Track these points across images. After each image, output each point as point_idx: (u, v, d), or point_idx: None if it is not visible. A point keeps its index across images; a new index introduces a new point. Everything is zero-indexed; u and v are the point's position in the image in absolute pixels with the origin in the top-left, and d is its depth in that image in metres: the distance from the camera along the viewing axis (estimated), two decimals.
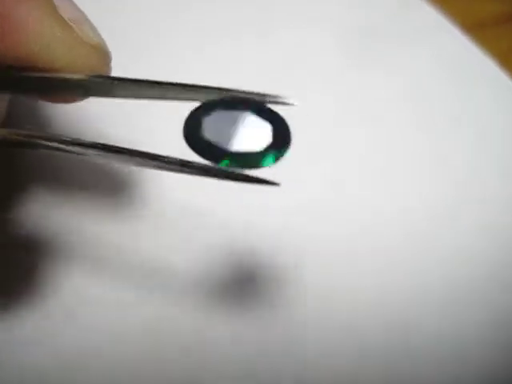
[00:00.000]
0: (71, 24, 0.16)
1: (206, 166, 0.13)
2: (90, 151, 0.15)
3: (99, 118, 0.23)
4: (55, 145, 0.15)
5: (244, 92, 0.14)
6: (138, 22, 0.26)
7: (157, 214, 0.22)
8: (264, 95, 0.14)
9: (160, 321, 0.20)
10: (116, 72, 0.17)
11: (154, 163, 0.14)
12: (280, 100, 0.14)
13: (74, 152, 0.15)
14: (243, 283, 0.21)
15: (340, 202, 0.23)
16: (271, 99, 0.14)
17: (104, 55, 0.16)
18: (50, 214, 0.21)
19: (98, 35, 0.16)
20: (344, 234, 0.22)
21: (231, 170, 0.13)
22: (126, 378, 0.19)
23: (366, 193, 0.23)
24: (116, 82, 0.15)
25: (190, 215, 0.22)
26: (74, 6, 0.16)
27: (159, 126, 0.22)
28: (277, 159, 0.14)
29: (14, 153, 0.21)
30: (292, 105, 0.14)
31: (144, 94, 0.16)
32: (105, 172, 0.22)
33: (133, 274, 0.21)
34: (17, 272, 0.20)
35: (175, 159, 0.14)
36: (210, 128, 0.13)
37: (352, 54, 0.26)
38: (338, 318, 0.20)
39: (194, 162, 0.14)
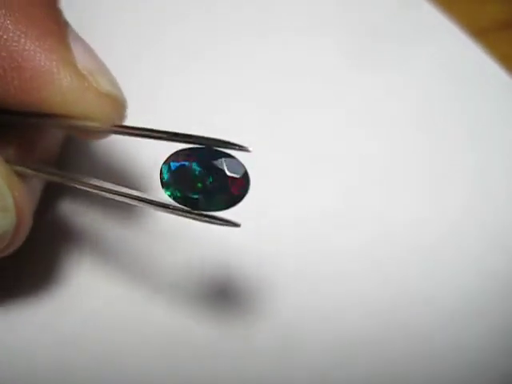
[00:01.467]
0: (85, 73, 0.17)
1: (181, 209, 0.16)
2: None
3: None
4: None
5: (207, 139, 0.16)
6: (137, 21, 0.26)
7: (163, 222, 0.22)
8: (224, 142, 0.15)
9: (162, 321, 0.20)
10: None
11: (139, 202, 0.16)
12: (237, 147, 0.16)
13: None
14: (245, 293, 0.21)
15: (339, 204, 0.23)
16: (230, 147, 0.16)
17: (119, 105, 0.18)
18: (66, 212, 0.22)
19: (115, 85, 0.18)
20: (344, 243, 0.22)
21: (199, 212, 0.16)
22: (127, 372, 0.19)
23: (364, 192, 0.23)
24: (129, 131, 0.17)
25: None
26: (93, 54, 0.18)
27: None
28: (233, 204, 0.16)
29: None
30: (247, 151, 0.15)
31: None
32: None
33: (138, 275, 0.21)
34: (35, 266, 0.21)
35: (153, 201, 0.16)
36: (179, 187, 0.16)
37: (352, 55, 0.26)
38: (339, 327, 0.20)
39: (175, 206, 0.16)
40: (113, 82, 0.18)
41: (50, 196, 0.21)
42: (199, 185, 0.15)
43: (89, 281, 0.21)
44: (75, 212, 0.22)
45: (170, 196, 0.16)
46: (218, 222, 0.16)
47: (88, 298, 0.20)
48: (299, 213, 0.22)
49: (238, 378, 0.19)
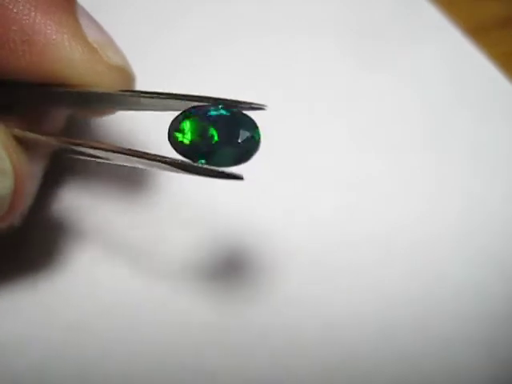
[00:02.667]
0: (95, 46, 0.17)
1: (183, 162, 0.15)
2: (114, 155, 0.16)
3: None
4: (87, 151, 0.17)
5: (222, 99, 0.16)
6: (136, 21, 0.26)
7: (167, 203, 0.22)
8: (238, 101, 0.16)
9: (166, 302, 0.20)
10: None
11: (144, 161, 0.16)
12: (252, 105, 0.16)
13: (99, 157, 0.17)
14: (255, 284, 0.21)
15: (339, 203, 0.23)
16: (244, 105, 0.16)
17: (127, 76, 0.18)
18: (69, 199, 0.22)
19: (122, 57, 0.18)
20: (354, 235, 0.22)
21: (204, 166, 0.15)
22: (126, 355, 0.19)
23: (362, 190, 0.23)
24: (140, 95, 0.17)
25: (197, 207, 0.22)
26: (101, 29, 0.18)
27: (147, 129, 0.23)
28: (242, 160, 0.15)
29: None
30: (263, 108, 0.16)
31: (169, 106, 0.17)
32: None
33: (141, 259, 0.21)
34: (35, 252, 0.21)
35: (160, 157, 0.15)
36: (190, 131, 0.15)
37: (353, 54, 0.26)
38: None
39: (175, 160, 0.15)
40: (121, 55, 0.18)
41: (52, 179, 0.21)
42: (212, 134, 0.15)
43: (91, 264, 0.21)
44: (77, 193, 0.22)
45: (178, 140, 0.15)
46: (223, 175, 0.15)
47: (90, 281, 0.20)
48: (310, 206, 0.22)
49: (242, 358, 0.19)
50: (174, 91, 0.17)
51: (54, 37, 0.17)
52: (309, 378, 0.19)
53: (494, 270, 0.21)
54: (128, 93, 0.17)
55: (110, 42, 0.18)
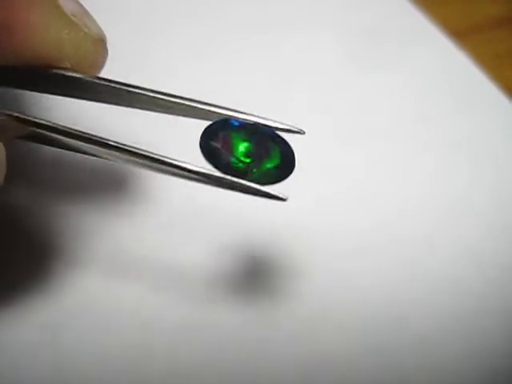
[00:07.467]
0: (76, 21, 0.15)
1: (220, 176, 0.15)
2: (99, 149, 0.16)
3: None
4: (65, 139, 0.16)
5: (257, 117, 0.16)
6: (137, 24, 0.26)
7: (162, 210, 0.22)
8: (275, 122, 0.16)
9: (163, 318, 0.20)
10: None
11: (171, 170, 0.15)
12: (289, 128, 0.16)
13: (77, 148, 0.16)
14: (252, 281, 0.21)
15: (336, 203, 0.23)
16: (281, 126, 0.16)
17: (104, 46, 0.16)
18: (55, 210, 0.21)
19: (98, 26, 0.16)
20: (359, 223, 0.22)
21: (243, 182, 0.15)
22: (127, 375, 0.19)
23: (362, 192, 0.23)
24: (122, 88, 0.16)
25: (197, 210, 0.22)
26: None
27: (176, 137, 0.22)
28: (279, 181, 0.15)
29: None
30: (300, 133, 0.16)
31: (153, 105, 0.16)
32: (110, 170, 0.22)
33: (136, 271, 0.21)
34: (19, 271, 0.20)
35: (193, 170, 0.15)
36: (223, 143, 0.15)
37: (351, 55, 0.26)
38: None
39: (211, 174, 0.15)
40: (97, 25, 0.16)
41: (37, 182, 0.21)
42: (248, 159, 0.15)
43: (66, 264, 0.20)
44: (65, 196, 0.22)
45: (220, 161, 0.15)
46: (264, 194, 0.15)
47: (66, 282, 0.20)
48: (308, 206, 0.22)
49: (261, 363, 0.19)
50: (174, 93, 0.16)
51: (31, 16, 0.15)
52: (285, 371, 0.19)
53: (473, 267, 0.21)
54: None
55: (86, 12, 0.16)
